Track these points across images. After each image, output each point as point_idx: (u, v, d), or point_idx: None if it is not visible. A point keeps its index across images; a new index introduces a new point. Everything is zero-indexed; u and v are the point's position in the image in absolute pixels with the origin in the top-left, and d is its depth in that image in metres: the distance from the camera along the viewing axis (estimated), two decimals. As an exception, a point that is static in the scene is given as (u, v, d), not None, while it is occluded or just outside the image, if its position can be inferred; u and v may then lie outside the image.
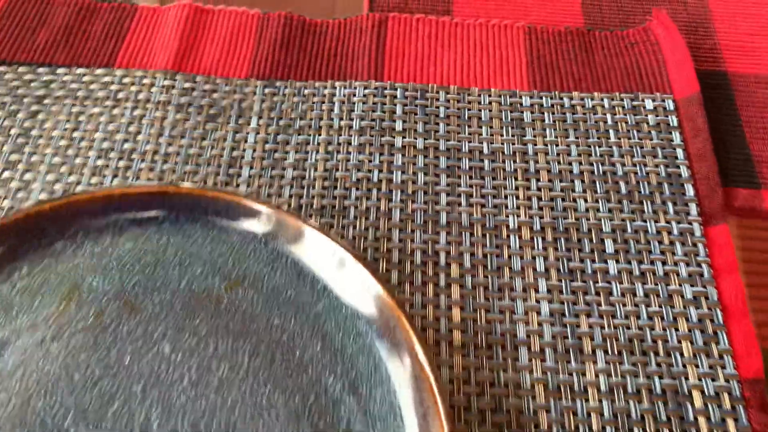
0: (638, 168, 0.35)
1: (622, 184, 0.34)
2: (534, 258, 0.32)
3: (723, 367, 0.29)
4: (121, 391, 0.27)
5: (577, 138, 0.36)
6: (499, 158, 0.35)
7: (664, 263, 0.32)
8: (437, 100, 0.37)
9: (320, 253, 0.30)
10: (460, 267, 0.32)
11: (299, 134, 0.36)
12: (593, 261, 0.32)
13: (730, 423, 0.28)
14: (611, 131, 0.36)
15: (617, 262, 0.32)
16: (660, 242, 0.33)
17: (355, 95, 0.37)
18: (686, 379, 0.29)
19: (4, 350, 0.28)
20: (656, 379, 0.29)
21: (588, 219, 0.33)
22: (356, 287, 0.29)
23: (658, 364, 0.29)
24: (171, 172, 0.34)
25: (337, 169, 0.35)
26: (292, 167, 0.35)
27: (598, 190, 0.34)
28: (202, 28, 0.40)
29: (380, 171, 0.35)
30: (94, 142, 0.35)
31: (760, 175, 0.35)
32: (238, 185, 0.34)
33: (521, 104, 0.37)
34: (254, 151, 0.35)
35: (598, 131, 0.36)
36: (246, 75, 0.38)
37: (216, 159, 0.35)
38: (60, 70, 0.38)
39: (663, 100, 0.37)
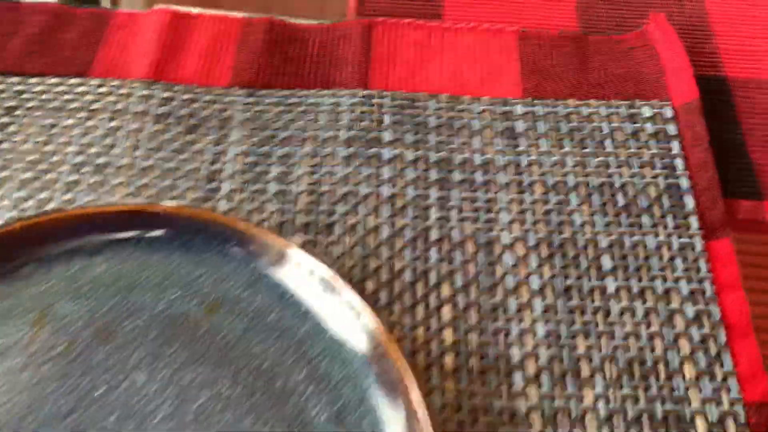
0: (636, 179, 0.33)
1: (619, 197, 0.33)
2: (528, 276, 0.31)
3: (727, 391, 0.28)
4: (93, 424, 0.26)
5: (572, 148, 0.34)
6: (491, 170, 0.34)
7: (664, 280, 0.31)
8: (427, 109, 0.36)
9: (304, 275, 0.28)
10: (451, 286, 0.30)
11: (282, 146, 0.34)
12: (590, 279, 0.31)
13: (735, 451, 0.27)
14: (607, 141, 0.35)
15: (615, 279, 0.31)
16: (659, 258, 0.31)
17: (340, 104, 0.36)
18: (689, 404, 0.27)
19: (-31, 382, 0.26)
20: (657, 404, 0.27)
21: (584, 234, 0.32)
22: (342, 311, 0.27)
23: (659, 388, 0.28)
24: (147, 187, 0.33)
25: (322, 184, 0.33)
26: (275, 181, 0.33)
27: (594, 204, 0.33)
28: (182, 34, 0.39)
29: (367, 185, 0.33)
30: (67, 156, 0.34)
31: (762, 186, 0.34)
32: (218, 201, 0.32)
33: (514, 113, 0.36)
34: (235, 164, 0.34)
35: (593, 141, 0.35)
36: (227, 84, 0.37)
37: (195, 173, 0.33)
38: (32, 80, 0.36)
39: (661, 108, 0.36)
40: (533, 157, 0.34)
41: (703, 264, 0.31)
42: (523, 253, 0.31)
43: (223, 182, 0.33)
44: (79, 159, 0.33)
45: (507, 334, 0.29)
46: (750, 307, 0.30)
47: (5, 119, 0.35)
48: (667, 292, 0.30)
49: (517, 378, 0.28)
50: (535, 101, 0.36)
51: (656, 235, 0.32)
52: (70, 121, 0.35)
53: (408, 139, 0.35)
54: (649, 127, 0.35)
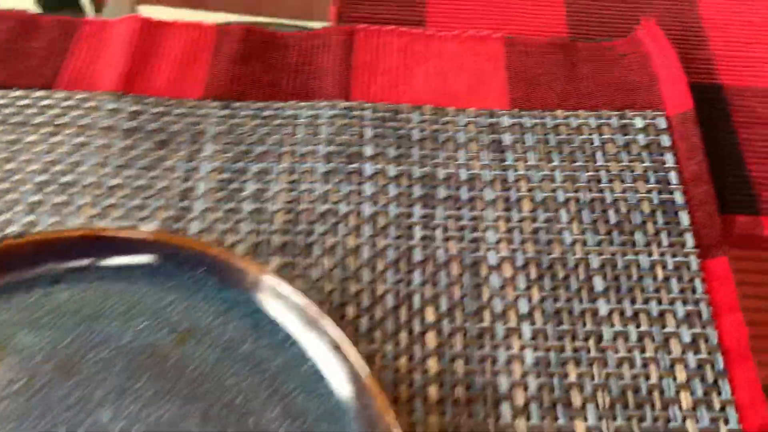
0: (628, 194, 0.32)
1: (611, 213, 0.32)
2: (516, 299, 0.29)
3: (726, 422, 0.26)
4: (53, 466, 0.24)
5: (561, 162, 0.33)
6: (477, 186, 0.32)
7: (658, 302, 0.29)
8: (410, 121, 0.34)
9: (279, 303, 0.27)
10: (435, 311, 0.29)
11: (258, 162, 0.33)
12: (581, 301, 0.29)
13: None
14: (598, 153, 0.33)
15: (607, 301, 0.29)
16: (654, 278, 0.30)
17: (319, 117, 0.34)
18: (685, 436, 0.26)
19: None
20: (653, 437, 0.26)
21: (574, 253, 0.30)
22: (319, 343, 0.26)
23: (654, 419, 0.26)
24: (115, 208, 0.31)
25: (300, 202, 0.31)
26: (250, 200, 0.31)
27: (585, 220, 0.31)
28: (154, 43, 0.37)
29: (348, 203, 0.31)
30: (29, 175, 0.32)
31: (759, 200, 0.33)
32: (190, 221, 0.31)
33: (501, 125, 0.34)
34: (208, 181, 0.32)
35: (584, 154, 0.33)
36: (201, 95, 0.35)
37: (165, 191, 0.32)
38: (-5, 93, 0.35)
39: (654, 118, 0.34)
40: (521, 172, 0.33)
41: (699, 284, 0.30)
42: (510, 274, 0.30)
43: (196, 201, 0.31)
44: (42, 178, 0.32)
45: (494, 362, 0.28)
46: (747, 328, 0.29)
47: (-35, 135, 0.33)
48: (661, 314, 0.29)
49: (505, 409, 0.27)
50: (523, 112, 0.34)
51: (650, 253, 0.30)
52: (34, 137, 0.33)
53: (390, 154, 0.33)
54: (642, 139, 0.34)
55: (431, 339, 0.28)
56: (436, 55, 0.37)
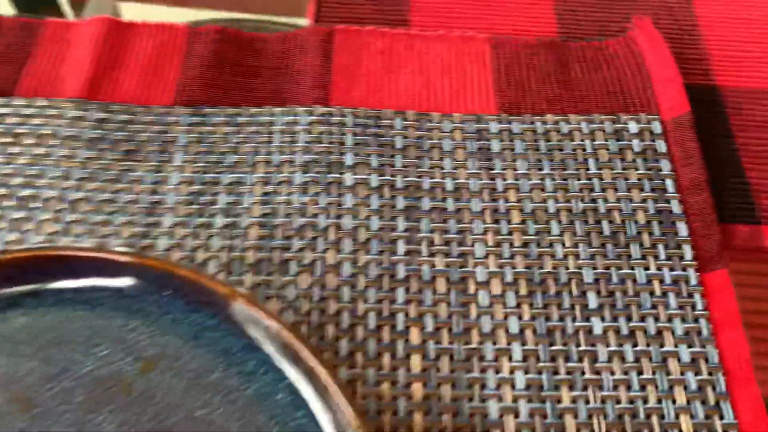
0: (623, 204, 0.30)
1: (604, 224, 0.30)
2: (506, 317, 0.28)
3: (729, 448, 0.25)
4: None
5: (552, 170, 0.31)
6: (464, 196, 0.30)
7: (656, 319, 0.28)
8: (393, 128, 0.32)
9: (251, 327, 0.25)
10: (421, 332, 0.27)
11: (231, 172, 0.31)
12: (574, 319, 0.28)
13: None
14: (591, 160, 0.32)
15: (602, 319, 0.28)
16: (650, 293, 0.28)
17: (297, 123, 0.32)
18: (687, 464, 0.25)
19: None
20: (652, 466, 0.25)
21: (567, 268, 0.29)
22: (295, 371, 0.24)
23: (654, 446, 0.25)
24: (78, 223, 0.29)
25: (276, 215, 0.30)
26: (223, 213, 0.30)
27: (578, 232, 0.30)
28: (122, 45, 0.35)
29: (327, 215, 0.30)
30: (-14, 189, 0.30)
31: (759, 208, 0.31)
32: (157, 237, 0.29)
33: (488, 131, 0.32)
34: (177, 194, 0.30)
35: (576, 161, 0.32)
36: (170, 101, 0.33)
37: (132, 205, 0.30)
38: (-50, 101, 0.32)
39: (649, 122, 0.33)
40: (510, 181, 0.31)
41: (698, 299, 0.28)
42: (500, 291, 0.28)
43: (164, 215, 0.29)
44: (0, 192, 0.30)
45: (483, 386, 0.26)
46: (749, 345, 0.27)
47: None
48: (659, 332, 0.27)
49: (495, 437, 0.25)
50: (512, 117, 0.33)
51: (646, 267, 0.29)
52: (-8, 148, 0.31)
53: (372, 162, 0.31)
54: (636, 144, 0.32)
55: (416, 362, 0.26)
56: (419, 57, 0.35)
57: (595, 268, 0.29)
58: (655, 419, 0.25)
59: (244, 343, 0.25)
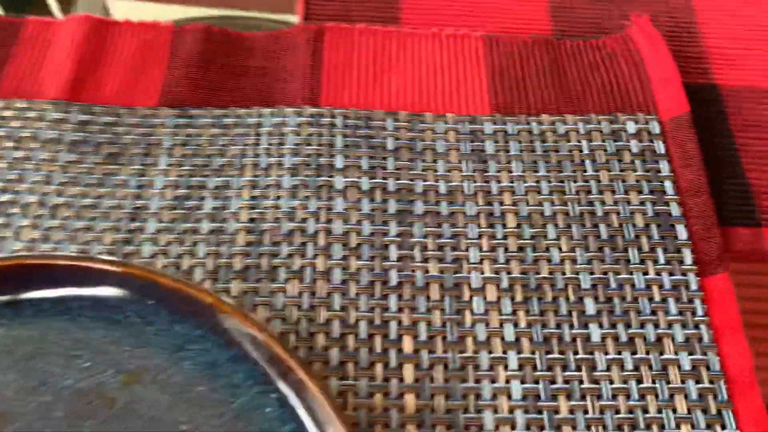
0: (621, 206, 0.30)
1: (602, 227, 0.29)
2: (502, 324, 0.27)
3: (731, 459, 0.24)
4: None
5: (548, 172, 0.30)
6: (458, 199, 0.30)
7: (655, 326, 0.27)
8: (384, 129, 0.31)
9: (238, 338, 0.24)
10: (414, 340, 0.26)
11: (217, 176, 0.30)
12: (571, 326, 0.27)
13: None
14: (588, 162, 0.31)
15: (600, 326, 0.27)
16: (650, 299, 0.27)
17: (286, 125, 0.31)
18: (688, 476, 0.24)
19: None
20: (653, 478, 0.24)
21: (564, 273, 0.28)
22: (283, 384, 0.23)
23: (654, 458, 0.24)
24: (59, 229, 0.28)
25: (264, 220, 0.29)
26: (209, 219, 0.29)
27: (575, 236, 0.29)
28: (104, 45, 0.34)
29: (317, 220, 0.29)
30: (-36, 195, 0.29)
31: (760, 210, 0.30)
32: (141, 244, 0.28)
33: (482, 132, 0.31)
34: (162, 198, 0.29)
35: (572, 162, 0.31)
36: (155, 103, 0.32)
37: (115, 210, 0.29)
38: (-74, 103, 0.31)
39: (647, 123, 0.32)
40: (505, 183, 0.30)
41: (698, 305, 0.27)
42: (495, 297, 0.27)
43: (148, 220, 0.28)
44: (-23, 197, 0.29)
45: (478, 396, 0.25)
46: (750, 350, 0.27)
47: None
48: (659, 339, 0.27)
49: (491, 450, 0.24)
50: (506, 118, 0.32)
51: (645, 272, 0.28)
52: (-31, 152, 0.30)
53: (363, 165, 0.30)
54: (634, 145, 0.31)
55: (409, 372, 0.26)
56: (411, 56, 0.34)
57: (592, 273, 0.28)
58: (655, 429, 0.25)
59: (230, 354, 0.24)
